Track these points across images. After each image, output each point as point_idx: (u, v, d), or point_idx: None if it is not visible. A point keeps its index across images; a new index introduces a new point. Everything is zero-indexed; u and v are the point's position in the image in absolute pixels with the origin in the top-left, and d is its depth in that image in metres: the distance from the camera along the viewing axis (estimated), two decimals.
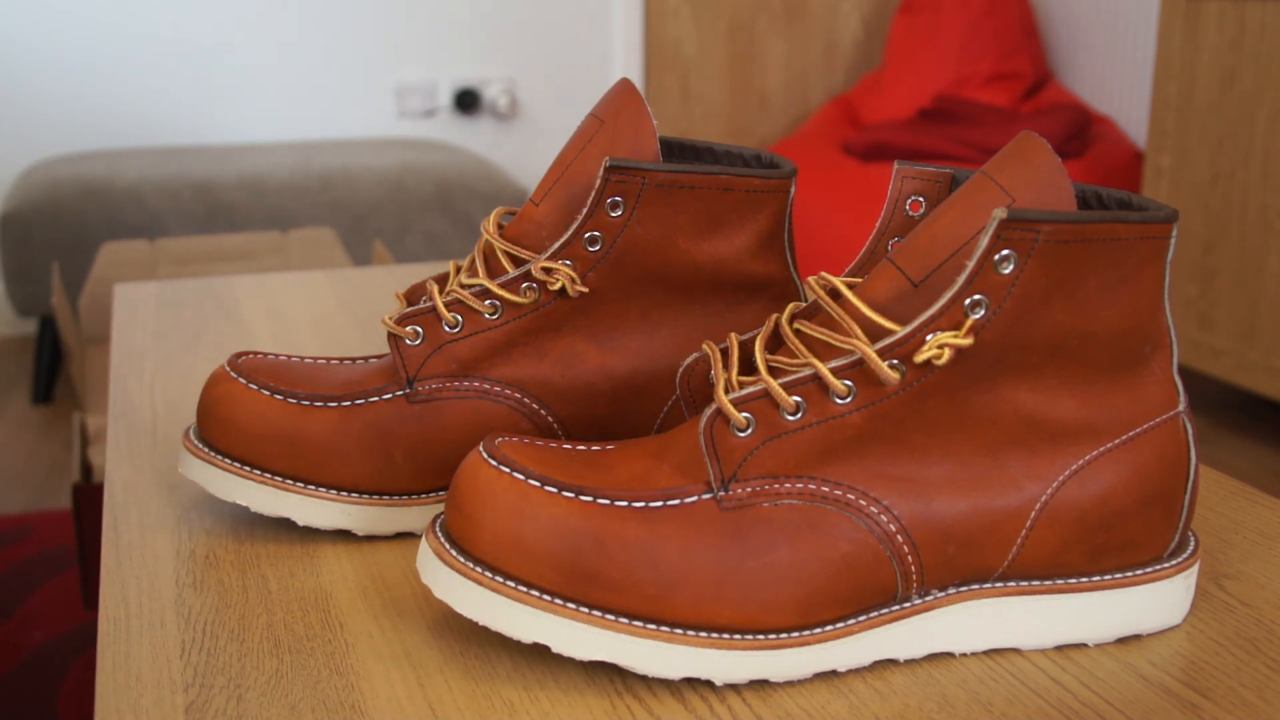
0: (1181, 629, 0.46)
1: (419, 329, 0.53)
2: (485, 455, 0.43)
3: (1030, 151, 0.44)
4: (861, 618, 0.43)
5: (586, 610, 0.41)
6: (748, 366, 0.46)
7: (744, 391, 0.43)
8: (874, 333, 0.43)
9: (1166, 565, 0.46)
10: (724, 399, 0.43)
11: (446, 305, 0.54)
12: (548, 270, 0.53)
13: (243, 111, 2.76)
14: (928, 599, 0.44)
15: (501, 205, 2.27)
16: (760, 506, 0.42)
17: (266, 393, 0.53)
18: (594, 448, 0.46)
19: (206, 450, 0.53)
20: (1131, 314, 0.44)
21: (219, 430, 0.53)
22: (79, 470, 1.47)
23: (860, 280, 0.45)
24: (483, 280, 0.53)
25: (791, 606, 0.42)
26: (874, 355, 0.41)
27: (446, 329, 0.53)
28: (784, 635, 0.42)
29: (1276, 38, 2.11)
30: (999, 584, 0.45)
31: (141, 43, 2.66)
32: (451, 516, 0.43)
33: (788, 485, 0.42)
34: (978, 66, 2.95)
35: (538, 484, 0.42)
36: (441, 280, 0.57)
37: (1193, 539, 0.48)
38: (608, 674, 0.43)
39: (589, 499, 0.42)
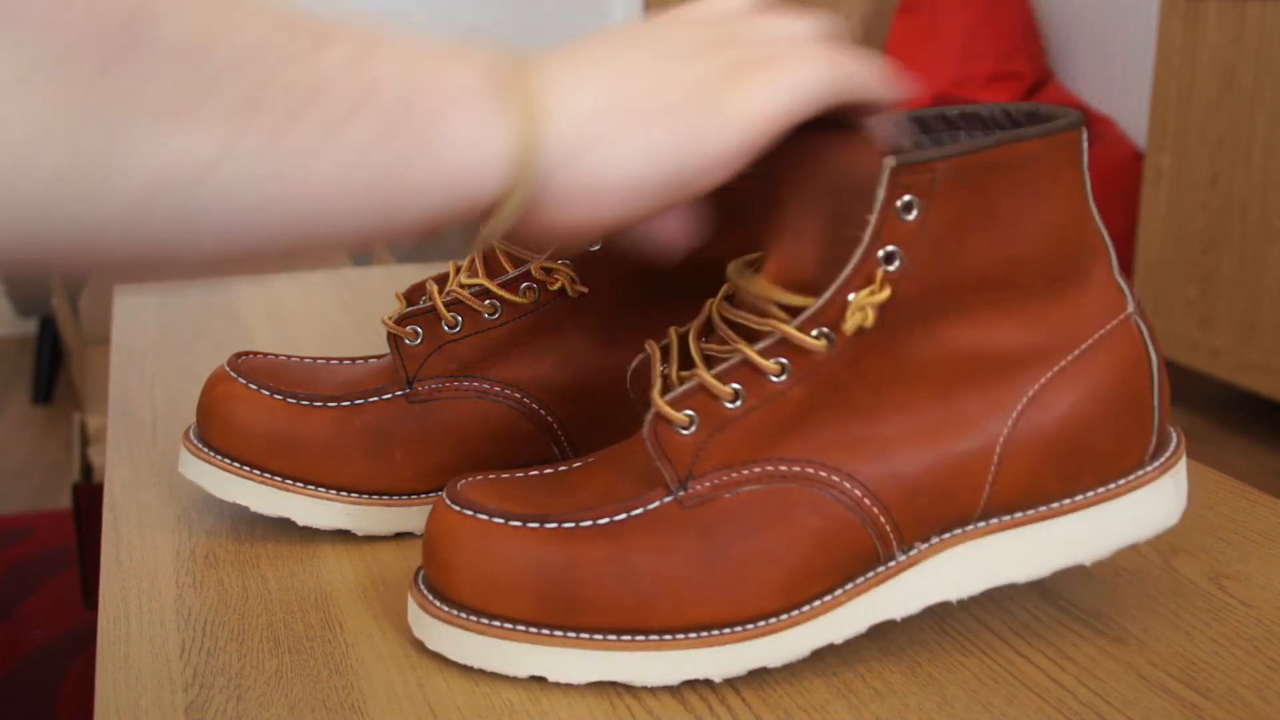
0: (1181, 629, 0.46)
1: (419, 329, 0.53)
2: (449, 501, 0.44)
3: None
4: (848, 586, 0.43)
5: (574, 634, 0.42)
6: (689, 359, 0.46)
7: (681, 389, 0.42)
8: (795, 308, 0.42)
9: (1149, 469, 0.45)
10: (659, 401, 0.43)
11: (446, 305, 0.54)
12: (547, 270, 0.53)
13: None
14: (911, 554, 0.43)
15: None
16: (722, 499, 0.42)
17: (266, 393, 0.53)
18: (560, 468, 0.46)
19: (206, 450, 0.53)
20: (1056, 228, 0.43)
21: (219, 430, 0.53)
22: (79, 470, 1.47)
23: (769, 256, 0.44)
24: (483, 280, 0.53)
25: (773, 591, 0.42)
26: (793, 331, 0.41)
27: (446, 329, 0.53)
28: (772, 620, 0.42)
29: (1276, 38, 2.11)
30: (981, 524, 0.44)
31: None
32: (428, 567, 0.44)
33: (744, 472, 0.42)
34: (978, 66, 2.95)
35: (502, 520, 0.42)
36: (441, 280, 0.57)
37: (1174, 436, 0.47)
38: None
39: (554, 525, 0.42)
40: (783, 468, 0.42)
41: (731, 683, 0.43)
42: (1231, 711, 0.41)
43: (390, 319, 0.54)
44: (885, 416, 0.43)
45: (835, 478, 0.42)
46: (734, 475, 0.42)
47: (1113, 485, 0.45)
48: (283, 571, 0.51)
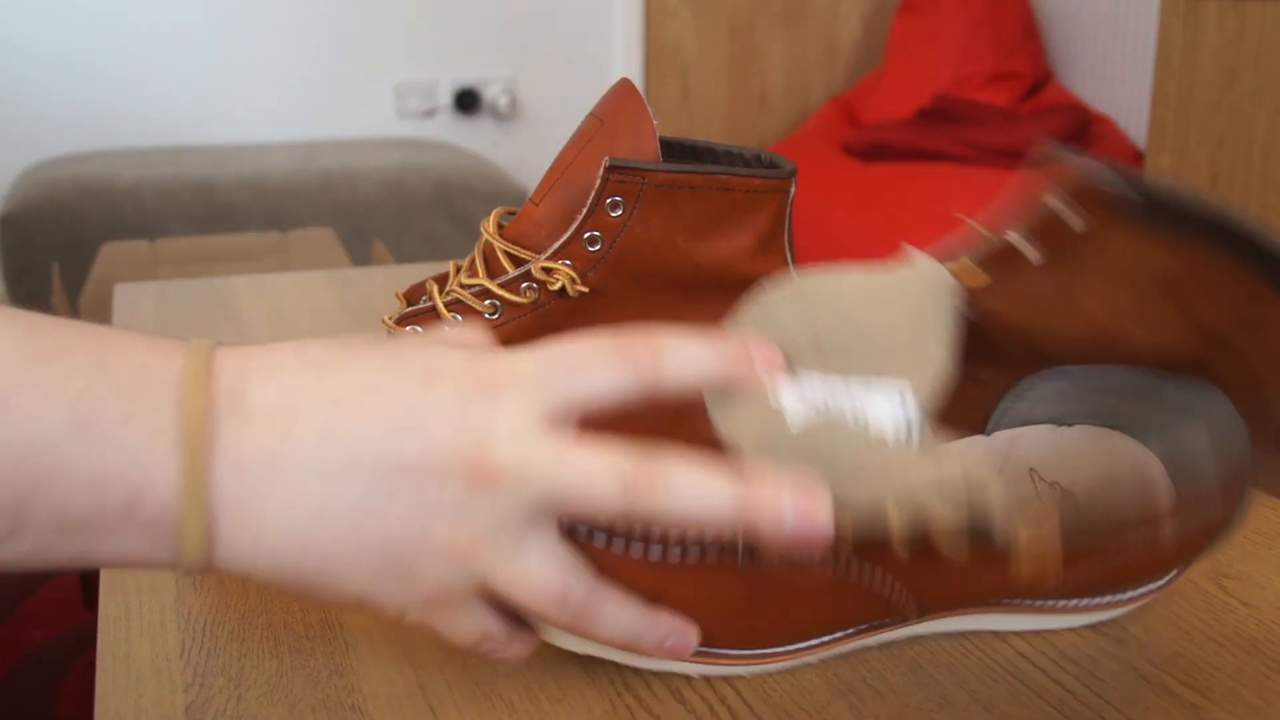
0: (1181, 629, 0.46)
1: (419, 329, 0.53)
2: None
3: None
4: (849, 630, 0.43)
5: None
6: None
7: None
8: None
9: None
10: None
11: (446, 305, 0.54)
12: (548, 270, 0.53)
13: (243, 111, 2.76)
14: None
15: (501, 205, 2.27)
16: None
17: None
18: None
19: None
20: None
21: None
22: None
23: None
24: (482, 280, 0.53)
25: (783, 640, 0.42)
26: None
27: (446, 329, 0.53)
28: (771, 650, 0.42)
29: (1276, 37, 2.11)
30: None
31: (141, 43, 2.66)
32: None
33: None
34: (978, 66, 2.95)
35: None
36: (441, 280, 0.57)
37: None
38: (608, 674, 0.43)
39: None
40: None
41: (731, 683, 0.43)
42: (1231, 711, 0.41)
43: (390, 319, 0.54)
44: None
45: None
46: None
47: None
48: None
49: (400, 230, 2.34)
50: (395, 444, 0.34)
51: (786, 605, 0.41)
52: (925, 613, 0.43)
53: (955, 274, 0.41)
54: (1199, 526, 0.42)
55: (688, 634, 0.40)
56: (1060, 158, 0.39)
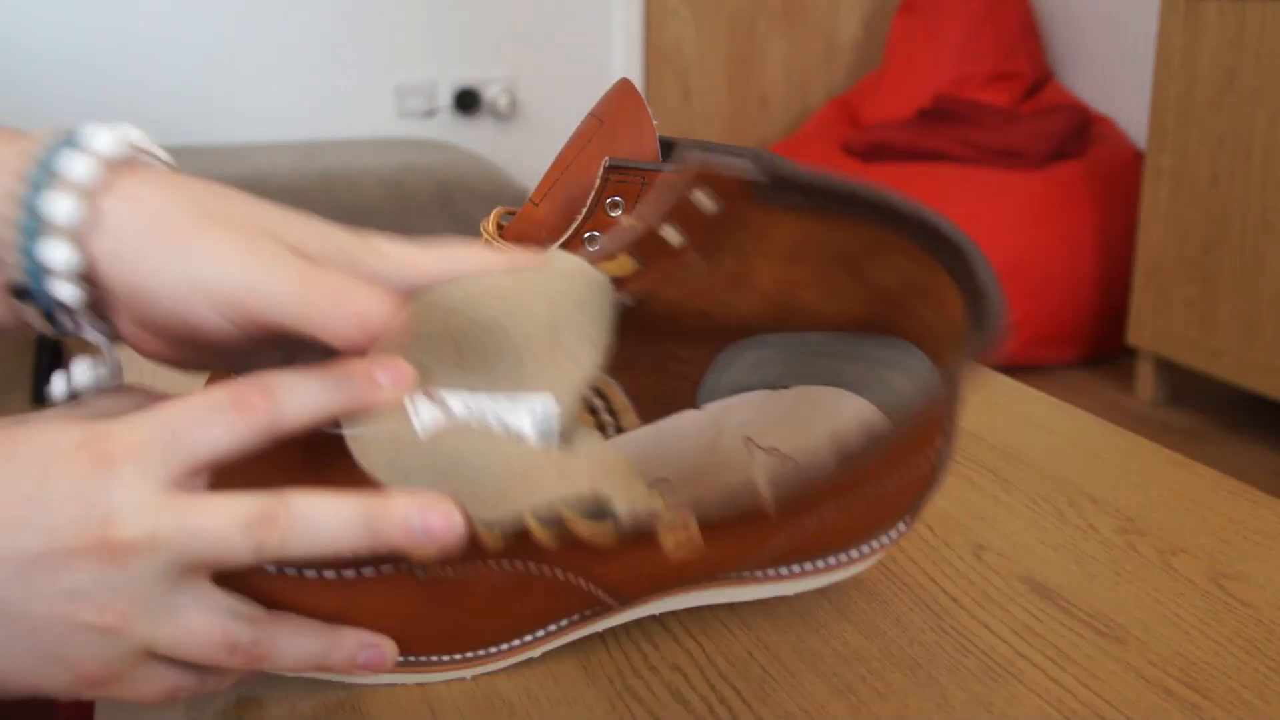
0: (1181, 629, 0.46)
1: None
2: None
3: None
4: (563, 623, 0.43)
5: None
6: None
7: None
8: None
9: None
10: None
11: None
12: None
13: (243, 111, 2.76)
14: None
15: (501, 205, 2.26)
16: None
17: None
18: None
19: None
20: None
21: None
22: None
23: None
24: None
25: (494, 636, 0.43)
26: None
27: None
28: (481, 653, 0.43)
29: (1276, 38, 2.11)
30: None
31: (141, 43, 2.66)
32: None
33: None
34: (978, 66, 2.95)
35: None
36: None
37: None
38: (608, 674, 0.43)
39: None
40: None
41: (731, 683, 0.43)
42: (1231, 712, 0.41)
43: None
44: None
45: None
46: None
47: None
48: None
49: (400, 230, 2.34)
50: (20, 540, 0.34)
51: (479, 608, 0.41)
52: (626, 601, 0.43)
53: (602, 266, 0.42)
54: (915, 475, 0.43)
55: (380, 645, 0.40)
56: (695, 154, 0.41)
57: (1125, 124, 2.90)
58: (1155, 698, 0.42)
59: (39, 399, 2.44)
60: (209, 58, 2.72)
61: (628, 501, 0.38)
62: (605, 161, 0.52)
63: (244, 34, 2.73)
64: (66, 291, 0.38)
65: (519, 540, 0.39)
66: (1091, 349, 2.67)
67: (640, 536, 0.39)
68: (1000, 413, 0.67)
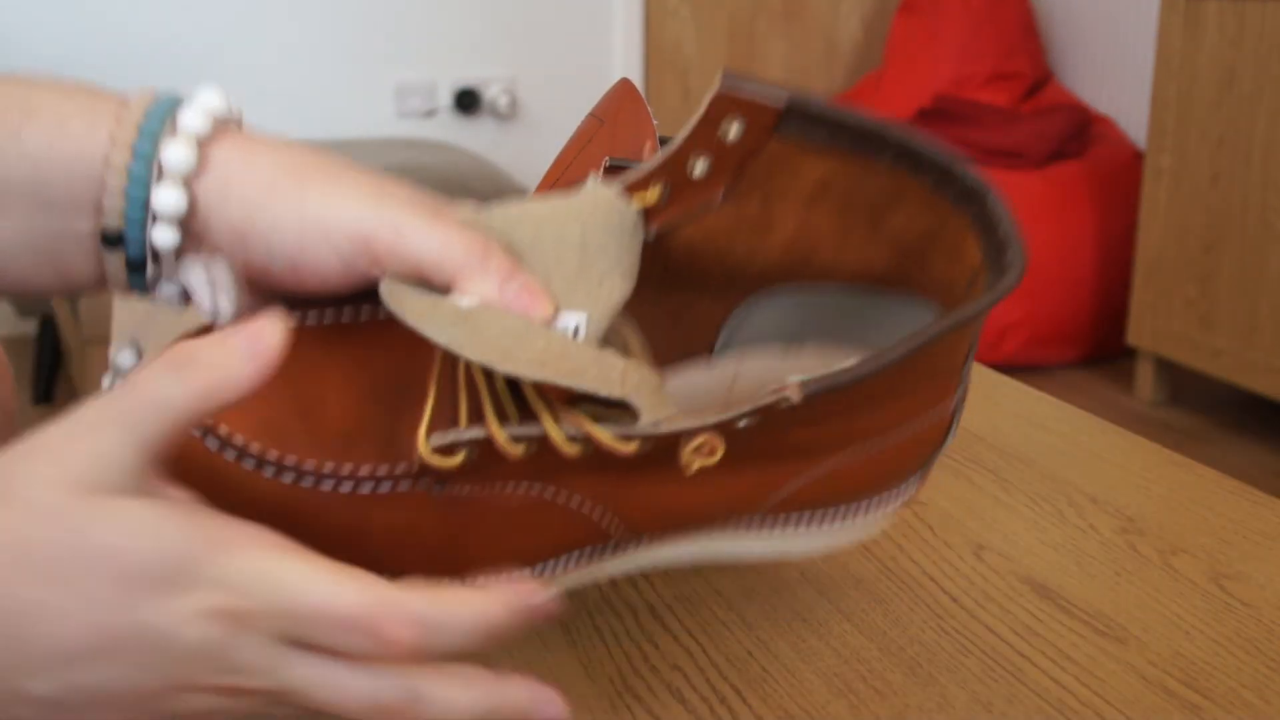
0: (1181, 629, 0.46)
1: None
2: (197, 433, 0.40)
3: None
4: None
5: None
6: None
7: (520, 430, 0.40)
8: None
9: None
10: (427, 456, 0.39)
11: None
12: None
13: (243, 111, 2.76)
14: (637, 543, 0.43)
15: None
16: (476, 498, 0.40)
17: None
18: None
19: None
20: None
21: None
22: None
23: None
24: None
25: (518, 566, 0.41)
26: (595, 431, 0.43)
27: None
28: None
29: (1276, 38, 2.11)
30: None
31: (142, 43, 2.66)
32: None
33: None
34: (978, 66, 2.95)
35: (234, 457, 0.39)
36: None
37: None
38: (608, 674, 0.43)
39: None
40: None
41: (731, 683, 0.43)
42: (1231, 712, 0.41)
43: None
44: None
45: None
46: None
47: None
48: None
49: None
50: (143, 681, 0.32)
51: (491, 532, 0.40)
52: (638, 534, 0.42)
53: (634, 197, 0.42)
54: (930, 427, 0.43)
55: (555, 699, 0.35)
56: (730, 79, 0.40)
57: (1125, 124, 2.90)
58: (1155, 698, 0.42)
59: (39, 399, 2.44)
60: (209, 58, 2.72)
61: (655, 415, 0.38)
62: (605, 161, 0.52)
63: (243, 34, 2.73)
64: (166, 236, 0.38)
65: (540, 454, 0.39)
66: (1091, 349, 2.67)
67: (662, 453, 0.38)
68: (1000, 413, 0.67)
